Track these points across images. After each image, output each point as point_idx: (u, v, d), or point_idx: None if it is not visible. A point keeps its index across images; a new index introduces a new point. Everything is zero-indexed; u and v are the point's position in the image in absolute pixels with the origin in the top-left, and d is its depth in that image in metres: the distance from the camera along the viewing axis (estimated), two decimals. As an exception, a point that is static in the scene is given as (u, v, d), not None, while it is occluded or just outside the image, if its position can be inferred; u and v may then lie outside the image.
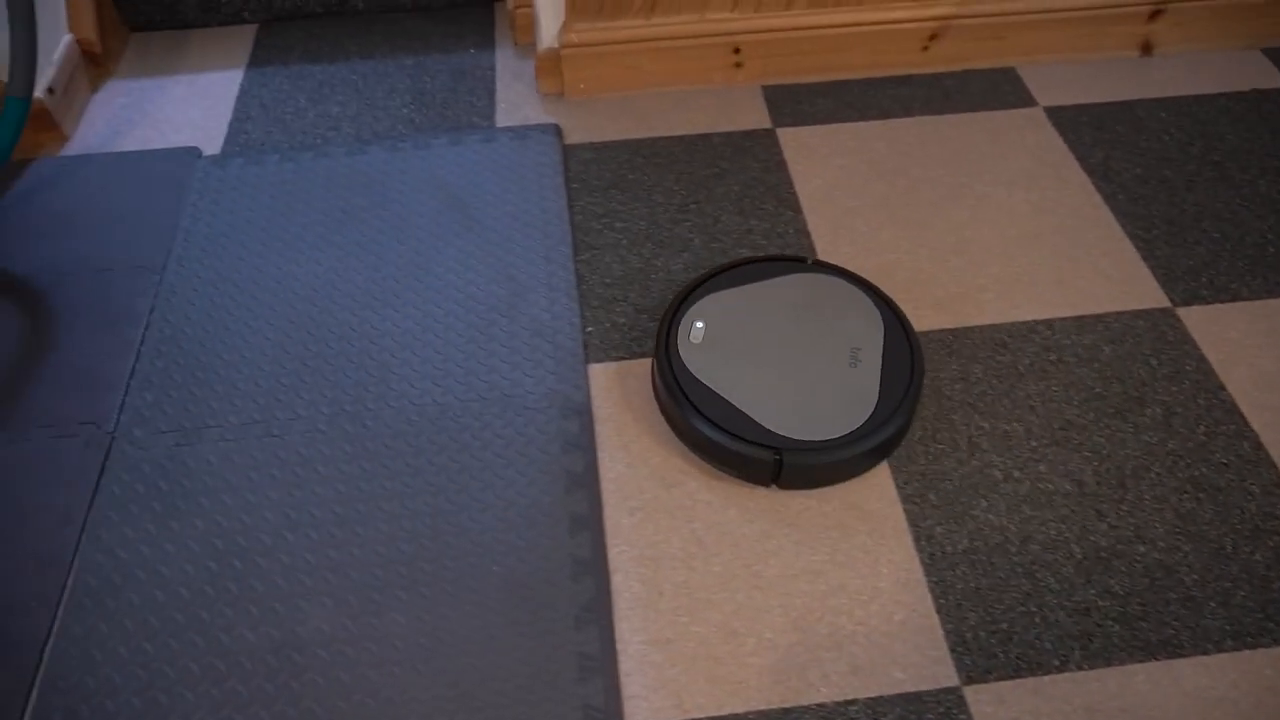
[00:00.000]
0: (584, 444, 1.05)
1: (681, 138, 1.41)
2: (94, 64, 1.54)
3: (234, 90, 1.53)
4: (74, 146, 1.45)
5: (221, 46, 1.62)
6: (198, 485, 1.03)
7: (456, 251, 1.25)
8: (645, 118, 1.44)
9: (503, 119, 1.45)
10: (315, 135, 1.44)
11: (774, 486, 1.01)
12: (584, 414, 1.07)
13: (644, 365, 1.12)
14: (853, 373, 1.02)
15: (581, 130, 1.43)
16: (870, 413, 0.98)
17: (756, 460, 0.97)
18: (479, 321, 1.17)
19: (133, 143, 1.45)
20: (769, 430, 0.97)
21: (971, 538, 0.96)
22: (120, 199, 1.35)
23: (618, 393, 1.09)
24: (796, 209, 1.30)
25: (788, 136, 1.41)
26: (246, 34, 1.65)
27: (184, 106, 1.51)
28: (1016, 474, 1.01)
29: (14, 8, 1.13)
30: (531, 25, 1.54)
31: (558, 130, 1.42)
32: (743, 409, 0.99)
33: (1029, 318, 1.16)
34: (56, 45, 1.48)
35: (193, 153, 1.42)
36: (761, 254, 1.22)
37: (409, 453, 1.05)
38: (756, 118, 1.44)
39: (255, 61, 1.59)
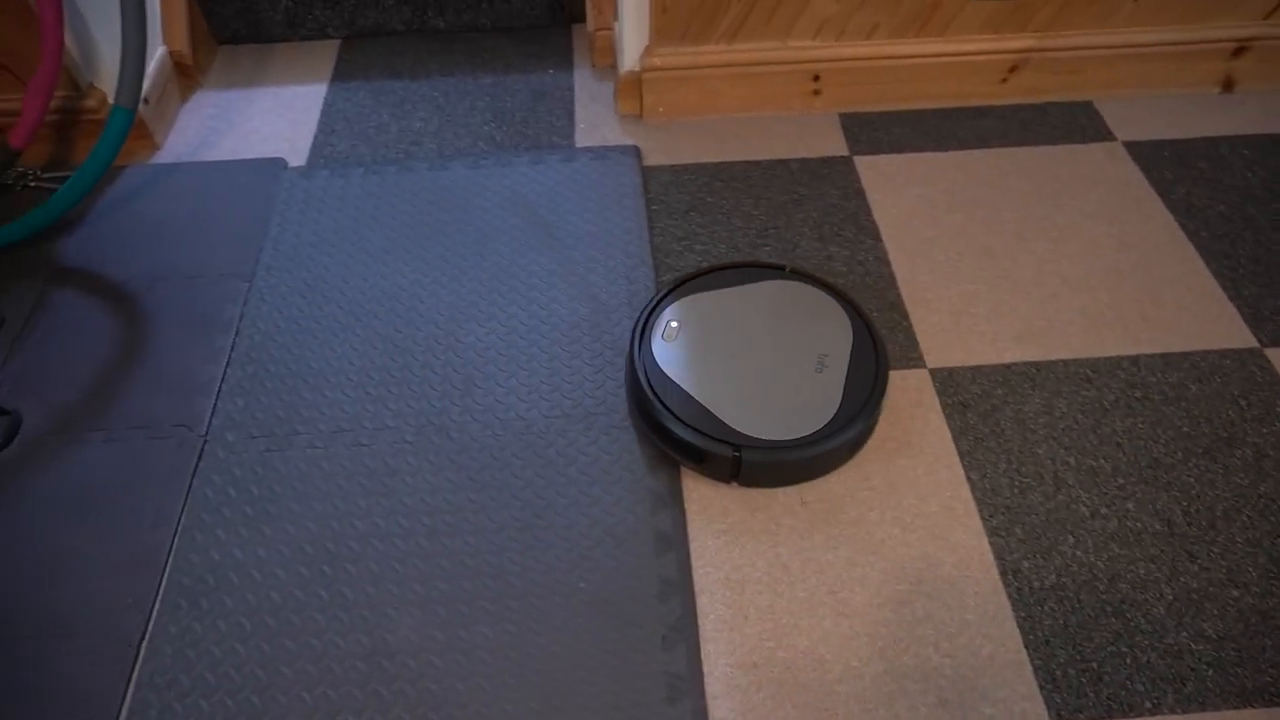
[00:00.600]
0: (669, 463, 1.05)
1: (759, 163, 1.42)
2: (185, 75, 1.59)
3: (318, 103, 1.57)
4: (165, 155, 1.49)
5: (306, 61, 1.66)
6: (288, 491, 1.05)
7: (538, 268, 1.27)
8: (723, 142, 1.45)
9: (582, 139, 1.47)
10: (398, 150, 1.47)
11: (734, 484, 1.03)
12: (667, 434, 1.08)
13: (726, 388, 1.13)
14: (818, 377, 1.05)
15: (660, 152, 1.44)
16: (831, 416, 1.01)
17: (717, 456, 0.99)
18: (562, 338, 1.18)
19: (220, 152, 1.49)
20: (731, 428, 1.00)
21: (1059, 573, 0.95)
22: (209, 207, 1.38)
23: (700, 414, 1.10)
24: (875, 236, 1.30)
25: (865, 164, 1.41)
26: (330, 49, 1.68)
27: (270, 118, 1.55)
28: (1104, 510, 1.00)
29: (127, 24, 1.17)
30: (611, 48, 1.56)
31: (637, 152, 1.43)
32: (708, 406, 1.02)
33: (1113, 353, 1.15)
34: (151, 57, 1.53)
35: (279, 164, 1.45)
36: (741, 260, 1.24)
37: (494, 466, 1.06)
38: (834, 145, 1.45)
39: (339, 76, 1.62)
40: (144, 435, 1.10)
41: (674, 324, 1.10)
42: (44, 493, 1.05)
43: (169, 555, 1.00)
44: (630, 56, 1.45)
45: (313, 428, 1.10)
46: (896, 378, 1.13)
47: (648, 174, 1.41)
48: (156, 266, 1.30)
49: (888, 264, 1.27)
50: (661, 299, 1.14)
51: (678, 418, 1.01)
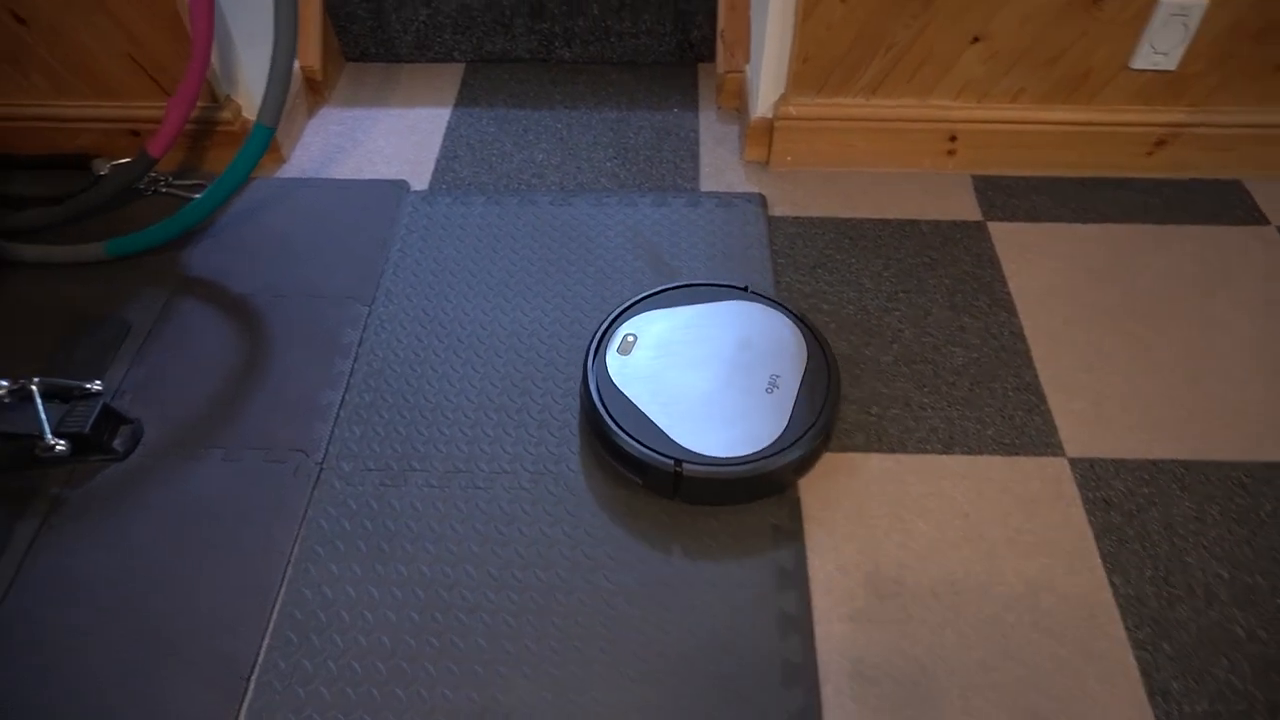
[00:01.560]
0: (793, 539, 1.01)
1: (888, 221, 1.38)
2: (313, 91, 1.60)
3: (442, 127, 1.57)
4: (290, 169, 1.50)
5: (431, 83, 1.66)
6: (402, 529, 1.03)
7: (660, 316, 1.24)
8: (851, 196, 1.42)
9: (707, 183, 1.45)
10: (520, 180, 1.46)
11: (676, 499, 1.03)
12: (793, 505, 1.04)
13: (853, 460, 1.09)
14: (768, 398, 1.05)
15: (787, 202, 1.41)
16: (776, 437, 1.01)
17: (657, 469, 1.00)
18: (683, 393, 1.15)
19: (344, 170, 1.49)
20: (675, 442, 1.01)
21: (1212, 700, 0.89)
22: (332, 226, 1.38)
23: (825, 486, 1.06)
24: (1010, 310, 1.25)
25: (999, 231, 1.36)
26: (454, 72, 1.69)
27: (394, 139, 1.55)
28: (1262, 634, 0.93)
29: (279, 47, 1.18)
30: (740, 91, 1.54)
31: (763, 201, 1.40)
32: (654, 420, 1.03)
33: (1272, 459, 1.08)
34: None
35: (401, 186, 1.45)
36: (704, 280, 1.23)
37: (614, 525, 1.03)
38: (966, 208, 1.40)
39: (462, 100, 1.62)
40: (261, 457, 1.10)
41: (630, 337, 1.10)
42: (161, 506, 1.05)
43: (281, 585, 0.99)
44: (763, 103, 1.42)
45: (429, 464, 1.09)
46: (1032, 465, 1.08)
47: (773, 224, 1.38)
48: (279, 282, 1.30)
49: (1023, 340, 1.21)
50: (622, 312, 1.15)
51: (623, 429, 1.02)
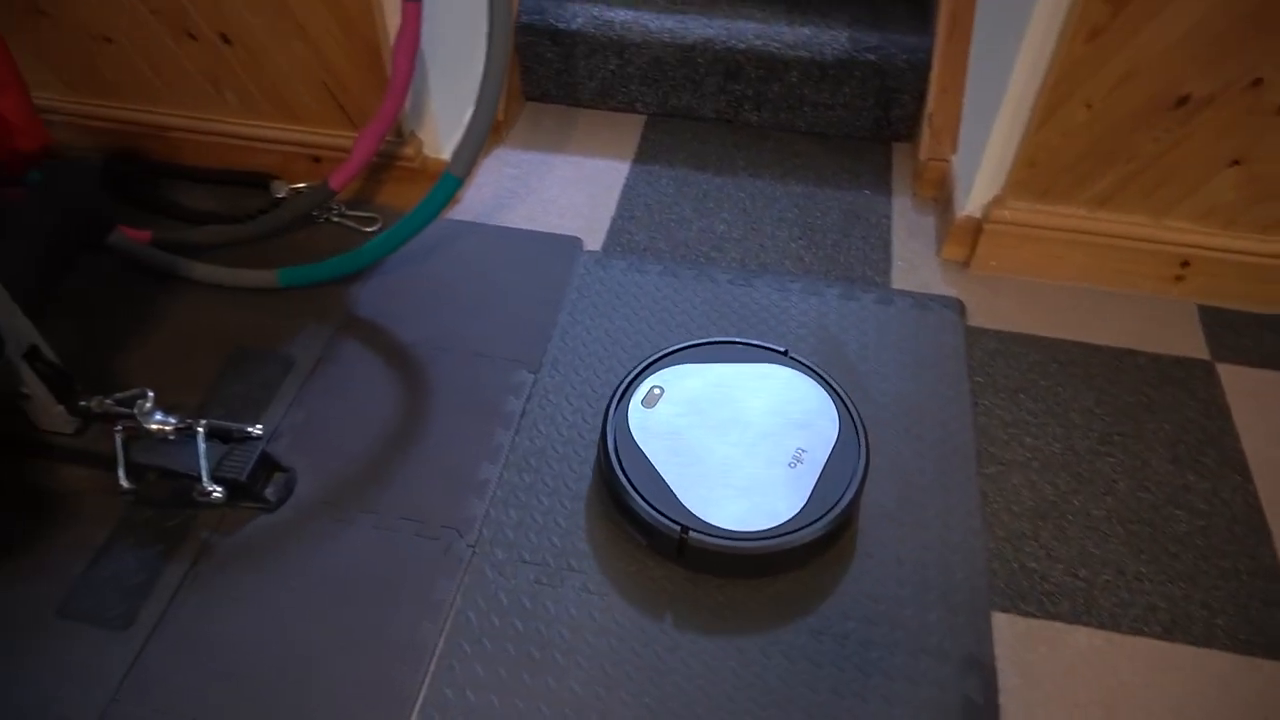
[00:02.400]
0: (986, 713, 0.90)
1: (1101, 348, 1.24)
2: (492, 130, 1.55)
3: (619, 182, 1.50)
4: (463, 210, 1.45)
5: (610, 132, 1.60)
6: (555, 637, 0.95)
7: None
8: (1059, 314, 1.29)
9: (899, 279, 1.34)
10: (699, 251, 1.38)
11: (680, 565, 0.99)
12: (986, 675, 0.92)
13: (1057, 631, 0.96)
14: (790, 473, 1.00)
15: (986, 312, 1.29)
16: (792, 516, 0.96)
17: (662, 532, 0.96)
18: (866, 519, 1.05)
19: (517, 218, 1.44)
20: (684, 506, 0.97)
21: None
22: (502, 279, 1.33)
23: (1029, 661, 0.94)
24: (1244, 472, 1.10)
25: (1231, 375, 1.21)
26: (635, 124, 1.62)
27: (569, 189, 1.49)
28: None
29: (483, 101, 1.13)
30: (942, 182, 1.43)
31: (961, 308, 1.29)
32: (667, 481, 0.99)
33: None
34: (466, 110, 1.50)
35: (575, 244, 1.39)
36: (741, 340, 1.15)
37: (783, 663, 0.93)
38: (1192, 343, 1.25)
39: (641, 156, 1.56)
40: (412, 530, 1.04)
41: (657, 389, 1.06)
42: (306, 570, 1.00)
43: (424, 679, 0.92)
44: (973, 201, 1.31)
45: (588, 567, 1.01)
46: (1275, 672, 0.93)
47: (970, 336, 1.26)
48: (443, 334, 1.25)
49: (1259, 512, 1.07)
50: (653, 362, 1.10)
51: (633, 487, 0.98)
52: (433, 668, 0.93)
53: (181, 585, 0.99)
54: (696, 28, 1.51)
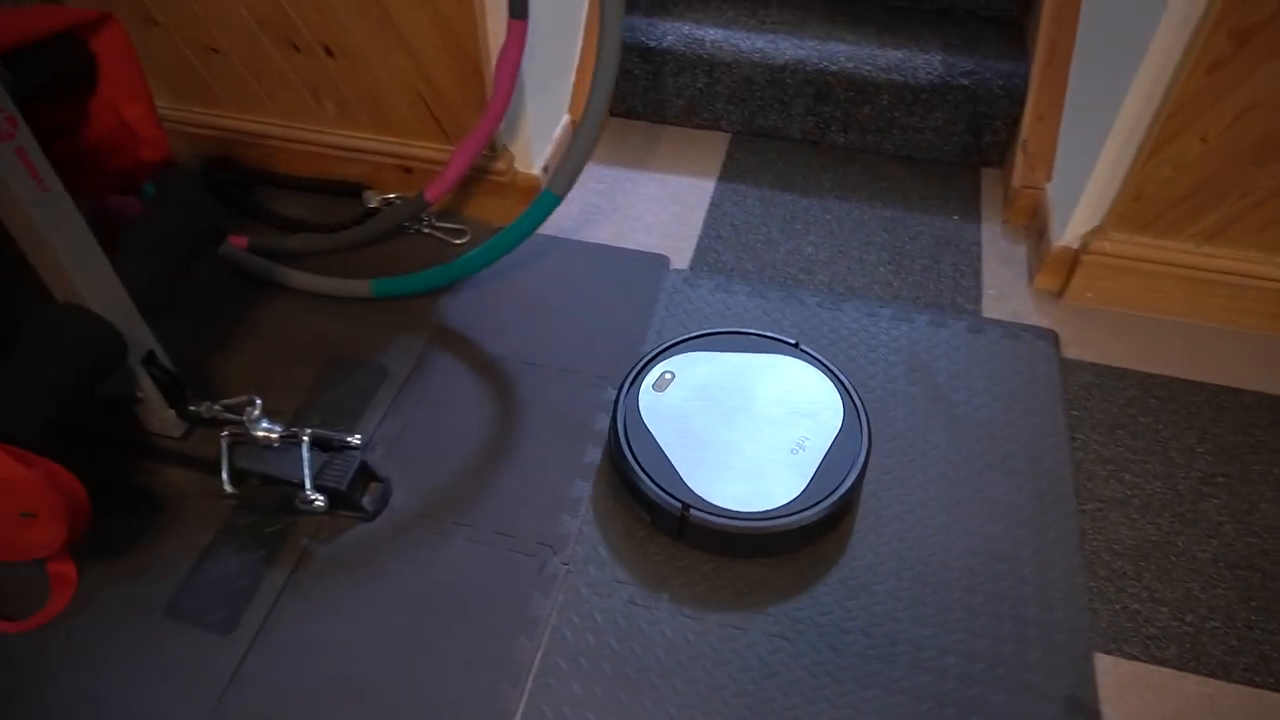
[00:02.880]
0: (1091, 762, 0.88)
1: (1203, 385, 1.22)
2: (579, 144, 1.56)
3: (705, 200, 1.50)
4: (549, 225, 1.45)
5: (695, 150, 1.60)
6: (651, 659, 0.95)
7: (939, 456, 1.13)
8: (1157, 348, 1.26)
9: (990, 308, 1.32)
10: (786, 273, 1.38)
11: (681, 542, 1.03)
12: (1090, 718, 0.90)
13: (1164, 677, 0.94)
14: (791, 459, 1.04)
15: (1081, 344, 1.27)
16: (791, 499, 1.00)
17: (664, 510, 1.01)
18: (960, 553, 1.03)
19: (604, 234, 1.45)
20: (688, 486, 1.01)
21: None
22: (590, 295, 1.33)
23: (1134, 706, 0.92)
24: (1356, 520, 1.07)
25: (1339, 418, 1.18)
26: (720, 142, 1.62)
27: (654, 207, 1.50)
28: None
29: (587, 123, 1.13)
30: (1036, 210, 1.41)
31: (1055, 339, 1.27)
32: (672, 461, 1.04)
33: None
34: (556, 125, 1.52)
35: (662, 261, 1.39)
36: (755, 330, 1.20)
37: (880, 696, 0.92)
38: (1298, 383, 1.22)
39: (727, 174, 1.56)
40: (507, 545, 1.05)
41: (668, 374, 1.11)
42: (403, 581, 1.01)
43: (522, 695, 0.92)
44: (1070, 231, 1.29)
45: (683, 591, 1.01)
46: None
47: (1065, 368, 1.24)
48: (532, 349, 1.26)
49: (1372, 562, 1.04)
50: (666, 349, 1.15)
51: (639, 464, 1.03)
52: (530, 685, 0.93)
53: (282, 591, 1.01)
54: (787, 49, 1.51)
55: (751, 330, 1.19)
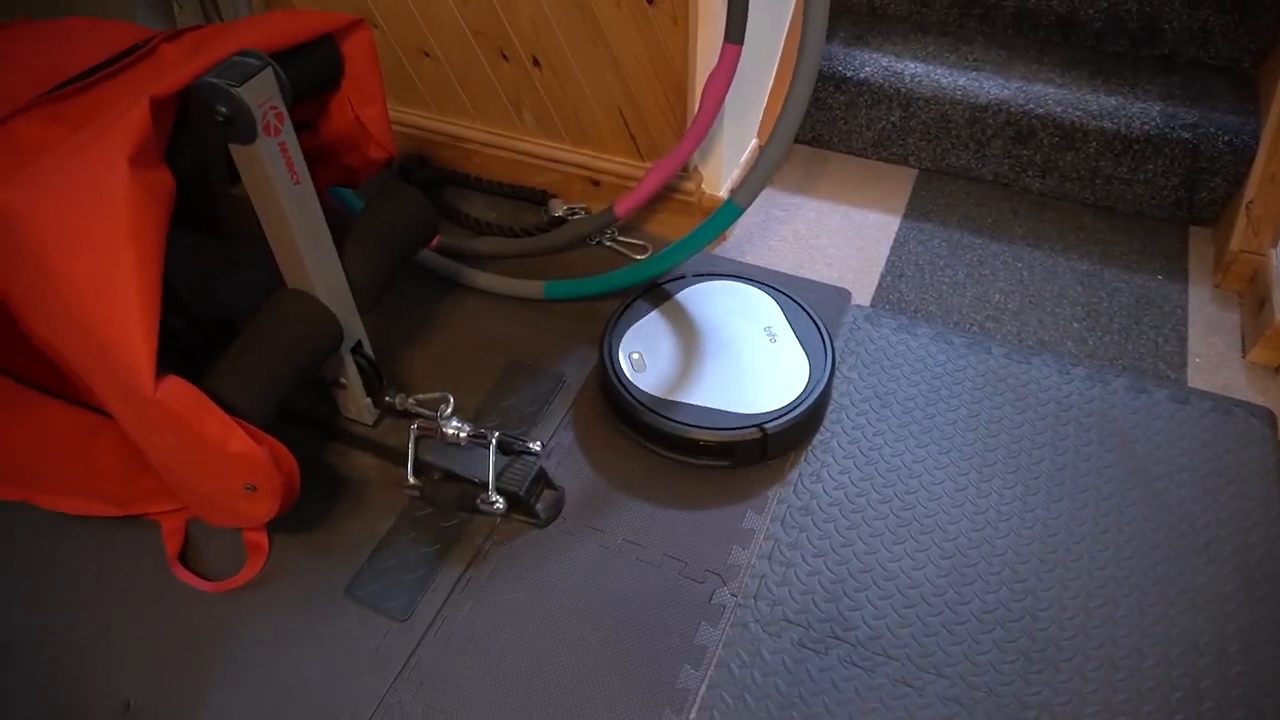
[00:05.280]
0: None
1: None
2: (763, 169, 1.55)
3: (889, 236, 1.47)
4: (728, 248, 1.46)
5: (880, 184, 1.57)
6: (819, 709, 0.93)
7: (1135, 532, 1.06)
8: (1389, 441, 1.15)
9: (1196, 378, 1.24)
10: (972, 320, 1.33)
11: (764, 462, 1.13)
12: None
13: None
14: (775, 347, 1.19)
15: (1300, 428, 1.17)
16: (809, 372, 1.16)
17: (746, 441, 1.09)
18: (1158, 643, 0.96)
19: (784, 263, 1.43)
20: (741, 413, 1.11)
21: None
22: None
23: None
24: None
25: None
26: (905, 178, 1.58)
27: (837, 239, 1.47)
28: None
29: (780, 132, 1.11)
30: (1254, 277, 1.31)
31: (1273, 419, 1.18)
32: (708, 405, 1.12)
33: None
34: (744, 149, 1.51)
35: (844, 295, 1.36)
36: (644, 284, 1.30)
37: (1064, 787, 0.87)
38: None
39: (912, 212, 1.51)
40: (676, 569, 1.04)
41: (635, 355, 1.19)
42: (571, 592, 1.02)
43: (682, 727, 0.92)
44: (1297, 305, 1.19)
45: (854, 638, 0.98)
46: None
47: (1281, 451, 1.15)
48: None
49: None
50: (609, 334, 1.22)
51: (693, 424, 1.10)
52: (694, 715, 0.93)
53: (455, 587, 1.03)
54: (991, 88, 1.46)
55: (645, 284, 1.29)
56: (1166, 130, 1.37)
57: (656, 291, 1.29)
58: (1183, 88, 1.45)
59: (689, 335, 1.22)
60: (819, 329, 1.21)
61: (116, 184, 0.73)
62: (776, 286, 1.27)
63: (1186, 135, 1.37)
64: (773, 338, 1.19)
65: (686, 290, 1.28)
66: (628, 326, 1.23)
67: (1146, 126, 1.38)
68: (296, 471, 0.91)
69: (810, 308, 1.24)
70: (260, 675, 0.97)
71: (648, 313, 1.25)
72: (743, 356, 1.18)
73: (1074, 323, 1.32)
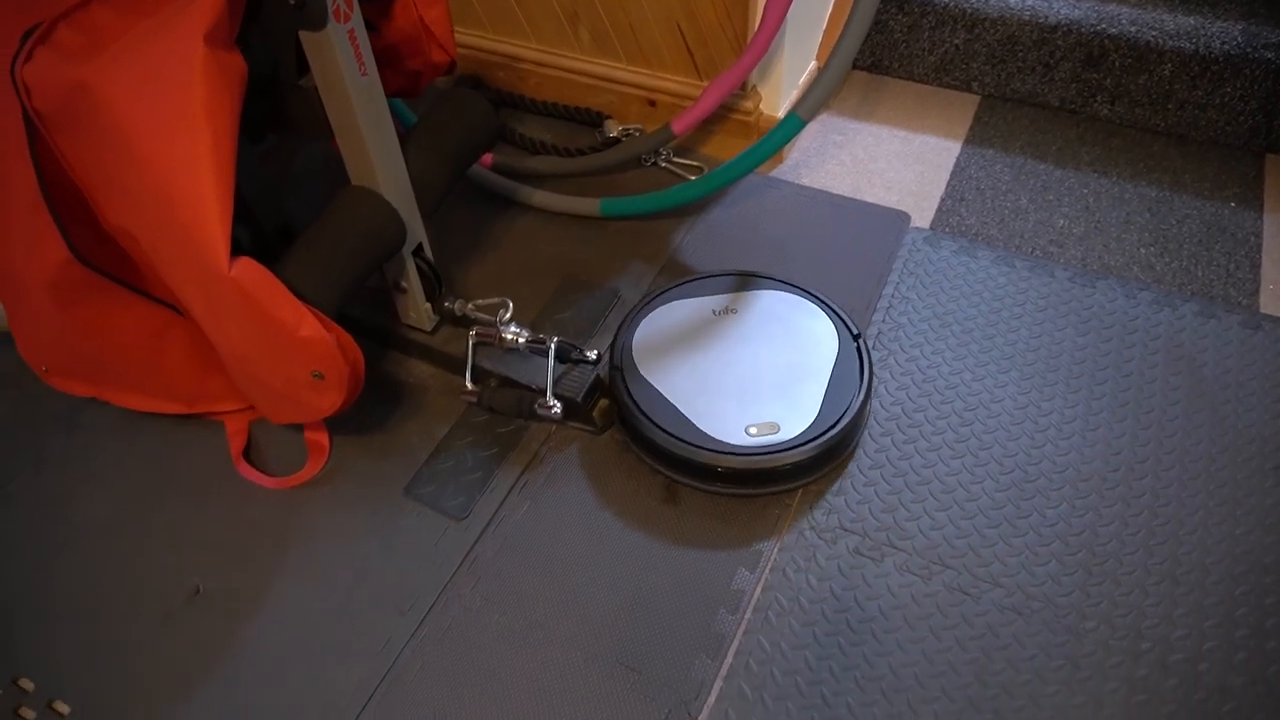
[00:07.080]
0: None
1: None
2: (822, 93, 1.53)
3: (949, 162, 1.44)
4: (785, 170, 1.44)
5: (942, 110, 1.54)
6: (870, 613, 0.93)
7: (1201, 454, 1.04)
8: None
9: (1269, 304, 1.20)
10: (1035, 245, 1.30)
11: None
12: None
13: None
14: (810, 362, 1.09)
15: (1377, 356, 1.14)
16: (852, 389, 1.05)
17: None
18: (1226, 563, 0.95)
19: (841, 186, 1.41)
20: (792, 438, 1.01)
21: None
22: (825, 244, 1.30)
23: None
24: None
25: None
26: (968, 104, 1.55)
27: (896, 163, 1.44)
28: None
29: (846, 42, 1.09)
30: (1335, 203, 1.26)
31: (1348, 346, 1.14)
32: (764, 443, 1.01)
33: None
34: (803, 71, 1.48)
35: (903, 219, 1.34)
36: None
37: (1122, 690, 0.86)
38: None
39: (974, 138, 1.48)
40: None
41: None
42: (630, 502, 1.03)
43: (741, 624, 0.92)
44: (1381, 229, 1.15)
45: (910, 546, 0.98)
46: None
47: (1356, 379, 1.11)
48: (764, 292, 1.24)
49: None
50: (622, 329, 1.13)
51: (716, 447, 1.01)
52: (749, 615, 0.93)
53: (513, 489, 1.05)
54: (1061, 7, 1.42)
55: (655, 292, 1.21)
56: (1248, 50, 1.32)
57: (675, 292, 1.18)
58: (1267, 5, 1.39)
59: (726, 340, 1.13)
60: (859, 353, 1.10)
61: (194, 62, 0.74)
62: (765, 275, 1.18)
63: (1270, 55, 1.31)
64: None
65: (703, 301, 1.17)
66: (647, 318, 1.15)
67: (1227, 46, 1.33)
68: (361, 361, 0.92)
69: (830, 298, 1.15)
70: (324, 566, 0.99)
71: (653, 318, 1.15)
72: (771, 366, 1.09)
73: (1141, 248, 1.29)
